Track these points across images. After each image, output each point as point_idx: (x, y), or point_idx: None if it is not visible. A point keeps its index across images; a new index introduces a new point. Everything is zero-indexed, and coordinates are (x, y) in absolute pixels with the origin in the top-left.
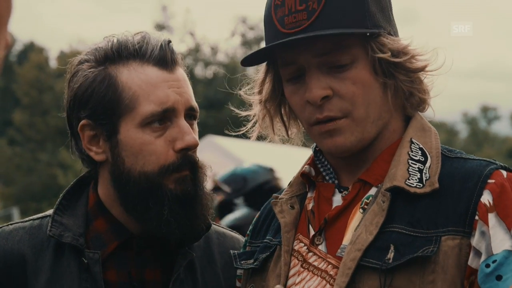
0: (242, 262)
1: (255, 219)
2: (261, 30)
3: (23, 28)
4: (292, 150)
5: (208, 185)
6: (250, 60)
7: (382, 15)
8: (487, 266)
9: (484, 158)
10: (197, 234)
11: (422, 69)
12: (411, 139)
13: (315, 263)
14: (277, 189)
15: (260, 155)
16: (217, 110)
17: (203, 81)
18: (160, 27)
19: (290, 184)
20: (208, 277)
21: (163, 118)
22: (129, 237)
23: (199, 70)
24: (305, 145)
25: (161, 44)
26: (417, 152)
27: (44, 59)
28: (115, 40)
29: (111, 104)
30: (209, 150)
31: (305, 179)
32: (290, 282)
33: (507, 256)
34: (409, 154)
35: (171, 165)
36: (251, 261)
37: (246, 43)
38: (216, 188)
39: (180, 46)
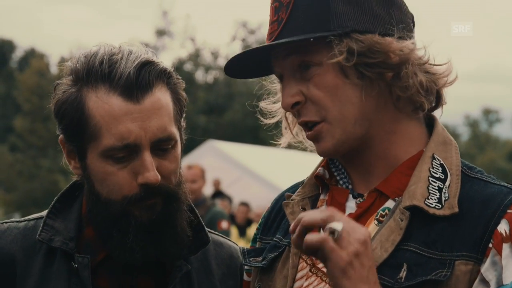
0: (251, 259)
1: (265, 213)
2: (261, 34)
3: (23, 34)
4: (294, 154)
5: (210, 190)
6: (249, 73)
7: (356, 13)
8: None
9: (505, 184)
10: (169, 257)
11: (400, 64)
12: (433, 154)
13: (324, 269)
14: None
15: (261, 160)
16: (218, 115)
17: (204, 86)
18: (161, 32)
19: (303, 185)
20: None
21: (127, 151)
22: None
23: (199, 75)
24: (305, 149)
25: (129, 71)
26: (438, 169)
27: (45, 65)
28: (92, 57)
29: (79, 127)
30: (210, 155)
31: (318, 181)
32: (297, 285)
33: None
34: (430, 171)
35: (133, 196)
36: (260, 259)
37: (246, 47)
38: (218, 193)
39: (180, 52)
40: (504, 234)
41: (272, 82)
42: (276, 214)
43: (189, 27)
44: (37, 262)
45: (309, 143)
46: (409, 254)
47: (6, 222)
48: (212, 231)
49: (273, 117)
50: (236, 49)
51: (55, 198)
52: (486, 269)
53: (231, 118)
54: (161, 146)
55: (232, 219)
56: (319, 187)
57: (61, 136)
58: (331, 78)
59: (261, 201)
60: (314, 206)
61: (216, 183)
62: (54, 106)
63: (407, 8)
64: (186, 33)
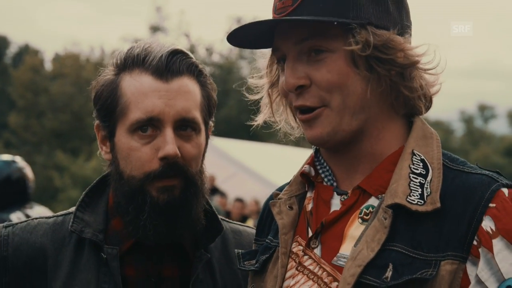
0: (245, 262)
1: (260, 214)
2: None
3: (18, 30)
4: (288, 150)
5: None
6: (247, 43)
7: (375, 8)
8: None
9: (485, 172)
10: (180, 240)
11: (409, 65)
12: (412, 150)
13: (310, 267)
14: (24, 178)
15: (256, 156)
16: None
17: None
18: (155, 28)
19: (289, 183)
20: (227, 276)
21: (151, 126)
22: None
23: None
24: (300, 145)
25: (162, 55)
26: (419, 165)
27: (39, 61)
28: (131, 48)
29: (111, 107)
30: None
31: (304, 179)
32: (285, 284)
33: None
34: (410, 168)
35: (153, 172)
36: (253, 261)
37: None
38: (214, 190)
39: None
40: (490, 232)
41: (260, 57)
42: (268, 214)
43: (184, 23)
44: (67, 254)
45: (283, 124)
46: (394, 254)
47: (36, 218)
48: (231, 220)
49: (257, 93)
50: (230, 45)
51: (84, 192)
52: (481, 269)
53: (226, 114)
54: (184, 127)
55: (227, 215)
56: (305, 185)
57: (96, 121)
58: (343, 66)
59: (256, 197)
60: (301, 204)
61: (211, 179)
62: (94, 92)
63: (410, 14)
64: (180, 29)
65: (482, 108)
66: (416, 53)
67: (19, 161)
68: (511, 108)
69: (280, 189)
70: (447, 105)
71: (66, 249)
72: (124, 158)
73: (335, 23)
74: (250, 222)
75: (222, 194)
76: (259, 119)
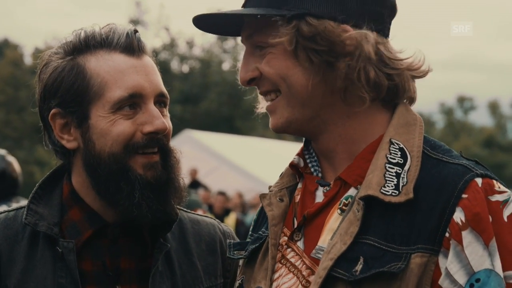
0: (235, 252)
1: (258, 210)
2: None
3: None
4: (270, 143)
5: (187, 180)
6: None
7: None
8: (472, 286)
9: (462, 162)
10: (170, 219)
11: (346, 54)
12: (390, 139)
13: (292, 260)
14: (15, 173)
15: (237, 149)
16: (193, 104)
17: (179, 76)
18: (135, 22)
19: (281, 176)
20: (185, 268)
21: (132, 103)
22: (103, 225)
23: (175, 65)
24: (281, 138)
25: (127, 33)
26: (396, 154)
27: (19, 55)
28: (82, 32)
29: (80, 91)
30: (188, 145)
31: (294, 170)
32: (274, 276)
33: (489, 275)
34: (387, 157)
35: (135, 144)
36: (243, 252)
37: (222, 36)
38: (196, 184)
39: (155, 41)
40: (460, 223)
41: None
42: (264, 211)
43: (163, 17)
44: (21, 250)
45: None
46: (366, 248)
47: None
48: (189, 211)
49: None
50: (211, 38)
51: (37, 184)
52: (450, 262)
53: (207, 108)
54: (162, 100)
55: (210, 208)
56: (296, 177)
57: (53, 110)
58: (282, 59)
59: (237, 190)
60: (291, 196)
61: (193, 173)
62: (47, 83)
63: None
64: (160, 23)
65: (462, 100)
66: (354, 42)
67: (6, 155)
68: (490, 99)
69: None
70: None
71: (19, 245)
72: (103, 136)
73: (258, 16)
74: (233, 215)
75: (206, 188)
76: (259, 108)
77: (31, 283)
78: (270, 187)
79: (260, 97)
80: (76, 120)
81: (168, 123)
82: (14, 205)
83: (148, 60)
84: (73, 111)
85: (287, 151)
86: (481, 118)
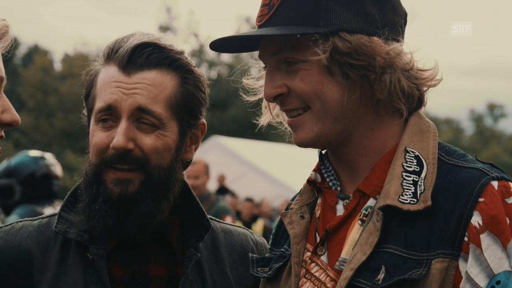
0: (258, 269)
1: (276, 224)
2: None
3: (27, 31)
4: (296, 149)
5: (215, 186)
6: (233, 47)
7: (348, 12)
8: None
9: (478, 165)
10: (132, 234)
11: (384, 69)
12: (405, 148)
13: (316, 274)
14: (50, 176)
15: (264, 155)
16: (221, 110)
17: (207, 82)
18: (164, 28)
19: (300, 193)
20: (217, 277)
21: (110, 116)
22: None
23: (203, 71)
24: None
25: (128, 48)
26: (412, 162)
27: (49, 61)
28: (114, 41)
29: (86, 97)
30: (215, 151)
31: (312, 186)
32: None
33: (508, 276)
34: (403, 166)
35: (106, 158)
36: (267, 269)
37: None
38: (223, 190)
39: (184, 47)
40: (478, 227)
41: (257, 60)
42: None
43: (193, 23)
44: (53, 256)
45: (286, 125)
46: (387, 256)
47: (21, 221)
48: (222, 221)
49: (255, 94)
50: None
51: (68, 192)
52: (470, 266)
53: (235, 114)
54: (142, 119)
55: (237, 215)
56: (315, 193)
57: (84, 113)
58: (317, 74)
59: (265, 196)
60: (312, 212)
61: (221, 179)
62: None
63: (400, 6)
64: (189, 29)
65: (492, 107)
66: (392, 54)
67: (49, 158)
68: None
69: (293, 199)
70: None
71: (52, 251)
72: (90, 147)
73: (298, 35)
74: (261, 222)
75: (233, 194)
76: (262, 121)
77: None
78: (289, 204)
79: (264, 108)
80: (89, 126)
81: (145, 141)
82: (47, 213)
83: (142, 77)
84: (89, 116)
85: (314, 157)
86: (511, 126)
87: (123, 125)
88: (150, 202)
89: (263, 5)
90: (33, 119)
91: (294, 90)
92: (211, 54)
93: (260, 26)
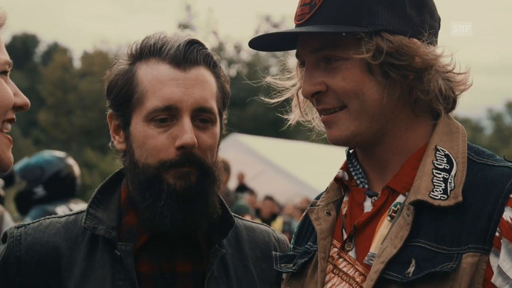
0: (282, 265)
1: (299, 223)
2: (285, 28)
3: (46, 29)
4: (316, 148)
5: (234, 183)
6: (272, 45)
7: (390, 13)
8: None
9: (508, 164)
10: (191, 230)
11: (424, 69)
12: (436, 146)
13: (344, 269)
14: (72, 175)
15: (284, 153)
16: (240, 108)
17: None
18: (183, 26)
19: (326, 190)
20: (241, 273)
21: (168, 115)
22: (158, 231)
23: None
24: (327, 143)
25: (179, 44)
26: (442, 160)
27: (68, 59)
28: (146, 39)
29: (126, 96)
30: (234, 148)
31: (339, 184)
32: (327, 286)
33: None
34: (433, 163)
35: (168, 161)
36: (291, 265)
37: None
38: (242, 188)
39: None
40: (510, 222)
41: (278, 59)
42: (308, 224)
43: (212, 21)
44: (81, 252)
45: (316, 123)
46: (417, 250)
47: (48, 218)
48: (244, 218)
49: (280, 93)
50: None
51: (96, 190)
52: (502, 260)
53: (254, 112)
54: (201, 117)
55: (257, 213)
56: (341, 190)
57: (109, 112)
58: (357, 73)
59: (284, 195)
60: (338, 209)
61: (240, 177)
62: (107, 83)
63: (436, 11)
64: (208, 27)
65: (510, 105)
66: (432, 56)
67: (66, 157)
68: None
69: (318, 197)
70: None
71: (79, 247)
72: (139, 146)
73: (343, 33)
74: (280, 220)
75: (251, 192)
76: (291, 119)
77: (91, 284)
78: (315, 202)
79: (295, 106)
80: (123, 124)
81: (203, 139)
82: (75, 208)
83: (196, 73)
84: (121, 114)
85: (332, 155)
86: None
87: (187, 122)
88: (211, 195)
89: (303, 4)
90: (53, 117)
91: (332, 89)
92: (230, 52)
93: (300, 25)
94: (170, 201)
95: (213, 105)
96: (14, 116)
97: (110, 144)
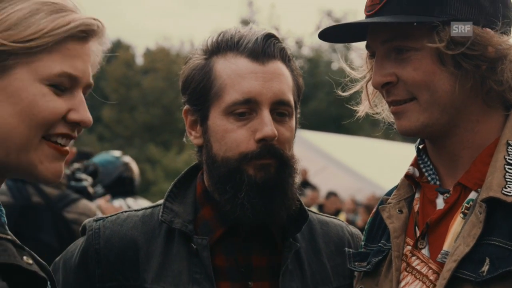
0: (355, 263)
1: (370, 220)
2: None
3: (110, 26)
4: (377, 143)
5: (298, 179)
6: (339, 37)
7: (462, 2)
8: None
9: None
10: (272, 221)
11: (498, 59)
12: (507, 141)
13: (418, 267)
14: (131, 177)
15: (346, 149)
16: (302, 104)
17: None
18: (246, 22)
19: (397, 188)
20: (315, 267)
21: (247, 108)
22: (234, 224)
23: None
24: (389, 138)
25: (257, 38)
26: None
27: (131, 56)
28: (222, 33)
29: (204, 90)
30: (297, 144)
31: (410, 181)
32: (401, 285)
33: None
34: (505, 159)
35: (249, 153)
36: (365, 263)
37: None
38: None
39: None
40: None
41: (360, 48)
42: (380, 222)
43: (274, 17)
44: (158, 245)
45: (386, 114)
46: (492, 248)
47: (125, 212)
48: (318, 212)
49: (348, 85)
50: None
51: (172, 184)
52: None
53: (316, 107)
54: (279, 110)
55: (320, 209)
56: (412, 187)
57: (185, 107)
58: (429, 64)
59: (346, 190)
60: (410, 206)
61: (303, 173)
62: (183, 78)
63: (511, 1)
64: (270, 23)
65: None
66: (506, 46)
67: (122, 156)
68: None
69: (389, 193)
70: None
71: (156, 241)
72: (218, 140)
73: (415, 23)
74: (343, 216)
75: (314, 188)
76: (360, 111)
77: (168, 277)
78: (386, 199)
79: (364, 98)
80: (200, 118)
81: (282, 131)
82: (132, 205)
83: (274, 67)
84: (198, 109)
85: (395, 150)
86: None
87: (267, 115)
88: (291, 186)
89: None
90: (116, 113)
91: (403, 80)
92: (291, 47)
93: (371, 16)
94: (251, 193)
95: (290, 98)
96: (67, 131)
97: (184, 139)
